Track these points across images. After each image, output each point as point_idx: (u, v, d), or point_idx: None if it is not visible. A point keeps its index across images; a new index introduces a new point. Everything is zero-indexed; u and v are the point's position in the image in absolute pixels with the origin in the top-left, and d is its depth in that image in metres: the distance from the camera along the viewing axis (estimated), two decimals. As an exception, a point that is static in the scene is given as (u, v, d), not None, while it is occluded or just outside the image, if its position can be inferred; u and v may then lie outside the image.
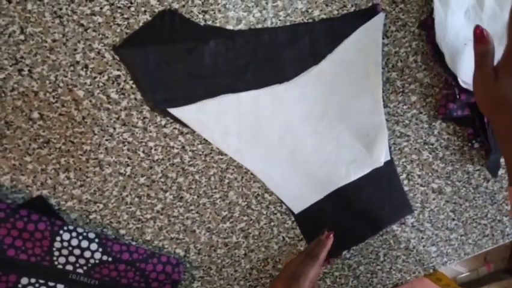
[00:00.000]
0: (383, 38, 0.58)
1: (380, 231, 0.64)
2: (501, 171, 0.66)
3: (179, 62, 0.53)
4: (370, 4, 0.56)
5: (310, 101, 0.58)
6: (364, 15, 0.56)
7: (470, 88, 0.57)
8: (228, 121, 0.55)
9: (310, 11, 0.55)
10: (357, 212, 0.62)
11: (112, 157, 0.54)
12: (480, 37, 0.49)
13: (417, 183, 0.64)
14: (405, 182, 0.64)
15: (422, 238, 0.67)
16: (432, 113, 0.62)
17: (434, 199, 0.66)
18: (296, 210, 0.61)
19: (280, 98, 0.56)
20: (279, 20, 0.55)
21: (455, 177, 0.65)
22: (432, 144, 0.63)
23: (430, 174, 0.64)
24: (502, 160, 0.65)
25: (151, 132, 0.54)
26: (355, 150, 0.60)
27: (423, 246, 0.67)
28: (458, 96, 0.59)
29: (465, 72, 0.57)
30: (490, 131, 0.61)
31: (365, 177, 0.61)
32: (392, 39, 0.58)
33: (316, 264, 0.51)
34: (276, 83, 0.56)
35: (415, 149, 0.63)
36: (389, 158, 0.61)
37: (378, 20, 0.56)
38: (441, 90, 0.61)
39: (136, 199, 0.56)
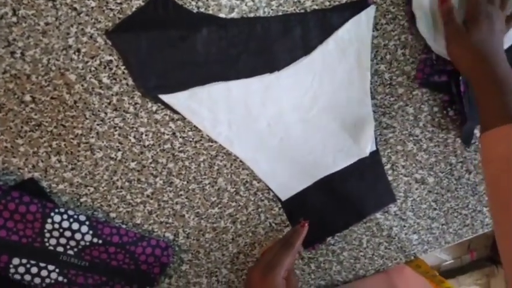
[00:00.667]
0: (373, 31, 0.59)
1: (364, 219, 0.66)
2: (474, 140, 0.68)
3: (172, 49, 0.53)
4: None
5: (301, 91, 0.59)
6: (355, 7, 0.57)
7: (441, 54, 0.59)
8: (218, 109, 0.56)
9: (302, 1, 0.56)
10: (342, 200, 0.64)
11: (103, 141, 0.55)
12: None
13: (401, 174, 0.66)
14: (390, 172, 0.66)
15: (404, 226, 0.69)
16: (418, 105, 0.64)
17: (417, 189, 0.68)
18: (283, 197, 0.62)
19: (271, 87, 0.57)
20: (271, 9, 0.55)
21: (438, 169, 0.67)
22: (417, 136, 0.65)
23: (414, 165, 0.66)
24: (476, 131, 0.67)
25: (142, 118, 0.55)
26: (342, 140, 0.61)
27: (405, 234, 0.70)
28: (435, 62, 0.60)
29: (433, 38, 0.58)
30: (466, 99, 0.62)
31: (350, 166, 0.63)
32: (381, 32, 0.60)
33: (291, 253, 0.52)
34: (267, 73, 0.57)
35: (400, 140, 0.65)
36: (374, 149, 0.63)
37: (369, 12, 0.57)
38: (420, 55, 0.62)
39: (127, 183, 0.57)
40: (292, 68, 0.57)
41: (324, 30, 0.57)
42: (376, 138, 0.63)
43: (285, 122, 0.59)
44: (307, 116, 0.60)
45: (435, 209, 0.70)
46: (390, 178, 0.66)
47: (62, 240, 0.54)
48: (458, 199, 0.70)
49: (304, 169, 0.62)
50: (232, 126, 0.57)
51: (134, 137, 0.56)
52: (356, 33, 0.58)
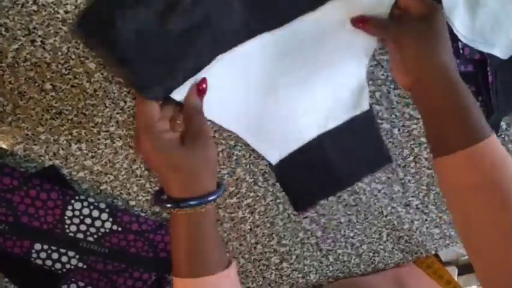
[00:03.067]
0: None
1: (358, 181, 0.63)
2: (501, 133, 0.65)
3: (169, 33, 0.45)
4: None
5: (301, 50, 0.54)
6: None
7: (470, 43, 0.56)
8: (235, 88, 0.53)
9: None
10: (335, 161, 0.60)
11: (122, 130, 0.55)
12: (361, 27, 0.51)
13: (424, 166, 0.64)
14: (412, 164, 0.64)
15: (426, 220, 0.68)
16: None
17: (440, 182, 0.66)
18: (274, 161, 0.59)
19: (268, 46, 0.52)
20: None
21: (462, 161, 0.65)
22: (442, 128, 0.63)
23: (438, 157, 0.64)
24: (503, 122, 0.64)
25: (161, 106, 0.55)
26: (335, 98, 0.58)
27: (427, 228, 0.68)
28: (461, 51, 0.57)
29: (463, 24, 0.55)
30: (493, 90, 0.59)
31: (344, 125, 0.59)
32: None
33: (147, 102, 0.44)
34: (271, 27, 0.51)
35: (423, 131, 0.63)
36: (368, 108, 0.59)
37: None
38: None
39: (146, 172, 0.57)
40: (294, 24, 0.52)
41: None
42: (399, 129, 0.61)
43: (280, 81, 0.55)
44: (301, 73, 0.55)
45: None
46: (412, 171, 0.64)
47: (82, 227, 0.55)
48: (483, 193, 0.68)
49: (296, 129, 0.58)
50: (250, 107, 0.54)
51: (153, 126, 0.55)
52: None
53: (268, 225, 0.63)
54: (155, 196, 0.47)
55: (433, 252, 0.70)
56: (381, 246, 0.68)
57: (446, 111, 0.45)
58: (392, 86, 0.60)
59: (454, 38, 0.57)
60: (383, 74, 0.59)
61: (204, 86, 0.46)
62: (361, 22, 0.51)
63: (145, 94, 0.45)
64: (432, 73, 0.45)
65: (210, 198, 0.44)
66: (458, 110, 0.44)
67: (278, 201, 0.62)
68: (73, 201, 0.54)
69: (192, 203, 0.43)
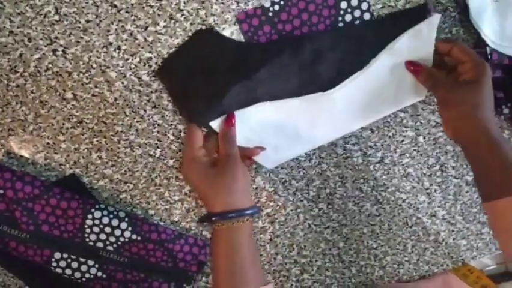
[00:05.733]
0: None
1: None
2: None
3: (219, 77, 0.52)
4: (421, 1, 0.53)
5: (351, 112, 0.56)
6: (415, 15, 0.52)
7: (499, 48, 0.54)
8: (267, 132, 0.54)
9: (346, -7, 0.53)
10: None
11: (142, 139, 0.55)
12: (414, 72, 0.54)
13: (451, 175, 0.62)
14: (439, 173, 0.62)
15: (453, 231, 0.65)
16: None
17: (467, 192, 0.64)
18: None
19: (323, 108, 0.54)
20: (314, 3, 0.53)
21: (491, 170, 0.63)
22: (469, 136, 0.61)
23: (465, 166, 0.62)
24: None
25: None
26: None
27: (453, 239, 0.66)
28: (489, 57, 0.55)
29: (491, 29, 0.54)
30: None
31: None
32: (431, 25, 0.56)
33: (189, 134, 0.51)
34: (318, 90, 0.54)
35: (450, 139, 0.61)
36: None
37: (432, 22, 0.51)
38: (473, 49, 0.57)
39: (165, 181, 0.57)
40: (344, 87, 0.54)
41: (378, 42, 0.53)
42: (424, 137, 0.59)
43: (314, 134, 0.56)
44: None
45: (486, 213, 0.65)
46: (439, 180, 0.62)
47: (102, 236, 0.54)
48: None
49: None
50: (279, 150, 0.55)
51: (173, 134, 0.55)
52: (415, 46, 0.52)
53: (288, 235, 0.62)
54: (199, 218, 0.55)
55: (460, 264, 0.68)
56: (406, 258, 0.66)
57: (491, 165, 0.48)
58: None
59: (482, 43, 0.55)
60: (407, 81, 0.58)
61: (233, 120, 0.52)
62: (413, 67, 0.53)
63: (195, 121, 0.51)
64: (475, 133, 0.49)
65: (246, 212, 0.49)
66: (503, 163, 0.47)
67: (299, 210, 0.61)
68: (93, 210, 0.53)
69: (229, 215, 0.48)
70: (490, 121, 0.49)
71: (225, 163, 0.50)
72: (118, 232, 0.55)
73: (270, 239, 0.62)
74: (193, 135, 0.51)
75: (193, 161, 0.50)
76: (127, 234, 0.55)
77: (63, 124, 0.53)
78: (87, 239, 0.54)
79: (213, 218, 0.48)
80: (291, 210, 0.61)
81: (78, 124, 0.53)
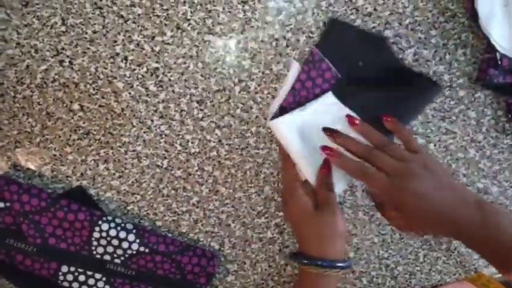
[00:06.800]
0: (431, 29, 0.55)
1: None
2: None
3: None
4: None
5: None
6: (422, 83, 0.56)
7: (509, 54, 0.54)
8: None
9: (354, 0, 0.53)
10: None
11: (149, 149, 0.54)
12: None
13: (462, 182, 0.61)
14: (450, 181, 0.61)
15: (465, 239, 0.64)
16: (481, 109, 0.59)
17: (479, 199, 0.62)
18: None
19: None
20: (321, 10, 0.52)
21: (502, 177, 0.62)
22: (480, 142, 0.60)
23: (476, 173, 0.61)
24: None
25: (188, 125, 0.54)
26: None
27: (465, 248, 0.64)
28: (500, 62, 0.54)
29: (501, 34, 0.53)
30: None
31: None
32: (440, 31, 0.55)
33: (285, 172, 0.55)
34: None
35: (461, 146, 0.60)
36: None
37: (434, 91, 0.55)
38: (483, 55, 0.56)
39: (173, 191, 0.56)
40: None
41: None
42: (435, 144, 0.59)
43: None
44: None
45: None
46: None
47: (109, 249, 0.54)
48: (525, 210, 0.64)
49: None
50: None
51: (180, 145, 0.54)
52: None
53: (297, 245, 0.61)
54: (291, 253, 0.56)
55: (472, 273, 0.66)
56: (418, 268, 0.64)
57: (485, 241, 0.43)
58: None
59: (492, 49, 0.54)
60: (416, 87, 0.57)
61: (327, 170, 0.52)
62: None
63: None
64: (446, 226, 0.45)
65: (338, 264, 0.49)
66: (499, 235, 0.42)
67: (308, 220, 0.60)
68: (100, 222, 0.53)
69: (319, 263, 0.48)
70: (451, 204, 0.45)
71: (324, 208, 0.50)
72: (125, 244, 0.54)
73: (279, 250, 0.61)
74: (293, 170, 0.53)
75: (295, 198, 0.51)
76: (135, 246, 0.54)
77: (70, 136, 0.52)
78: (94, 252, 0.54)
79: (305, 261, 0.49)
80: (301, 220, 0.60)
81: (85, 135, 0.52)
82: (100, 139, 0.53)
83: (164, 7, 0.50)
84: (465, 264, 0.65)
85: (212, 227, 0.58)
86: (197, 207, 0.57)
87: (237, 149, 0.56)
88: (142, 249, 0.54)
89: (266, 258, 0.61)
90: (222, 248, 0.59)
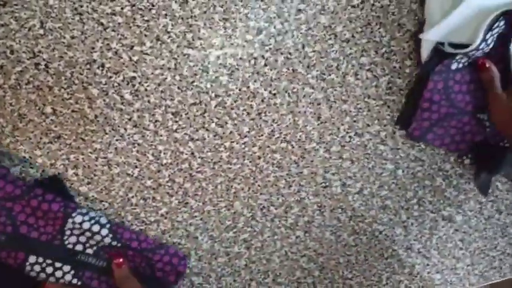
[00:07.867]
0: (406, 59, 0.56)
1: None
2: (507, 180, 0.64)
3: None
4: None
5: None
6: None
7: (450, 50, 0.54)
8: None
9: (333, 26, 0.54)
10: None
11: (120, 157, 0.54)
12: (482, 66, 0.54)
13: (428, 210, 0.63)
14: (416, 207, 0.62)
15: (428, 265, 0.66)
16: (450, 139, 0.60)
17: (443, 227, 0.64)
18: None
19: None
20: (300, 33, 0.53)
21: (467, 207, 0.64)
22: (447, 171, 0.62)
23: (442, 201, 0.63)
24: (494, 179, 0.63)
25: (161, 136, 0.54)
26: None
27: (428, 272, 0.66)
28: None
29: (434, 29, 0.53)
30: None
31: None
32: (414, 61, 0.57)
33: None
34: None
35: (429, 174, 0.61)
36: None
37: None
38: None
39: (142, 201, 0.56)
40: None
41: None
42: (403, 171, 0.60)
43: None
44: None
45: (461, 248, 0.66)
46: (415, 214, 0.63)
47: (82, 239, 0.53)
48: (486, 240, 0.66)
49: None
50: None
51: (152, 155, 0.55)
52: None
53: (264, 261, 0.61)
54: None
55: (434, 298, 0.68)
56: (380, 290, 0.66)
57: None
58: (398, 126, 0.59)
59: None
60: (388, 114, 0.58)
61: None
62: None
63: None
64: None
65: None
66: None
67: (276, 237, 0.60)
68: (74, 214, 0.52)
69: None
70: None
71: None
72: (98, 237, 0.53)
73: (246, 265, 0.61)
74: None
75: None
76: (107, 240, 0.53)
77: (40, 139, 0.52)
78: (66, 241, 0.53)
79: None
80: (268, 237, 0.60)
81: (56, 139, 0.52)
82: (70, 144, 0.52)
83: (146, 18, 0.50)
84: (427, 288, 0.67)
85: (179, 238, 0.58)
86: (165, 218, 0.57)
87: (209, 162, 0.56)
88: (114, 243, 0.54)
89: (232, 272, 0.61)
90: (188, 260, 0.59)
